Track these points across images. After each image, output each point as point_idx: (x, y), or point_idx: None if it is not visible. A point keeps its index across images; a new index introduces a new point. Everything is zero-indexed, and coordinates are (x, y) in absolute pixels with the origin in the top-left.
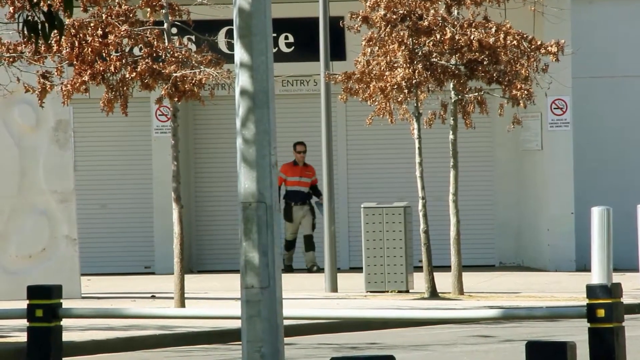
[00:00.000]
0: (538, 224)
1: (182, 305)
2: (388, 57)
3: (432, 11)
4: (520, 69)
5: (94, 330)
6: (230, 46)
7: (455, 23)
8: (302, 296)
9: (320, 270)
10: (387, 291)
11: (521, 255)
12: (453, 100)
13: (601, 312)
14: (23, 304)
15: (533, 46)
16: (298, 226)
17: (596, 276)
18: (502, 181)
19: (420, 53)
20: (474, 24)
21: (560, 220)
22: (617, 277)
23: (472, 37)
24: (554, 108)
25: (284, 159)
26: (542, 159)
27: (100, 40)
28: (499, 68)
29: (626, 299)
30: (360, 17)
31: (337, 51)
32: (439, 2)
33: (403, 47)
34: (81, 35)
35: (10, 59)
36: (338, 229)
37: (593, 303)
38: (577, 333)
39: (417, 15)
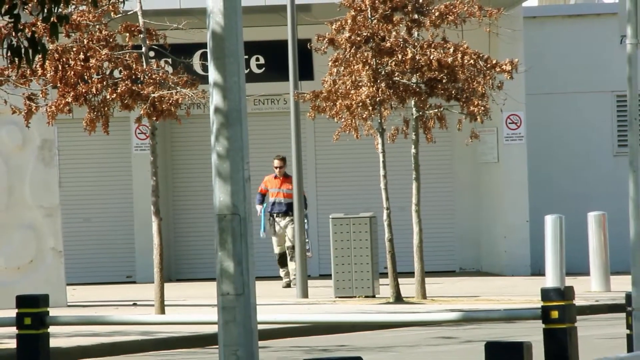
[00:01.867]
0: (495, 232)
1: (162, 312)
2: (353, 77)
3: (394, 33)
4: (477, 87)
5: (79, 337)
6: (205, 68)
7: (416, 44)
8: (275, 302)
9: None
10: (355, 296)
11: (480, 261)
12: (414, 117)
13: (555, 314)
14: (12, 313)
15: (489, 65)
16: (284, 238)
17: (550, 280)
18: (462, 192)
19: (383, 72)
20: (433, 45)
21: (516, 228)
22: (569, 281)
23: (431, 57)
24: (509, 123)
25: (257, 174)
26: (499, 170)
27: (82, 63)
28: (457, 86)
29: (578, 301)
30: (326, 39)
31: (305, 71)
32: (400, 25)
33: (367, 67)
34: (64, 59)
35: None
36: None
37: (547, 305)
38: (532, 333)
39: (379, 37)
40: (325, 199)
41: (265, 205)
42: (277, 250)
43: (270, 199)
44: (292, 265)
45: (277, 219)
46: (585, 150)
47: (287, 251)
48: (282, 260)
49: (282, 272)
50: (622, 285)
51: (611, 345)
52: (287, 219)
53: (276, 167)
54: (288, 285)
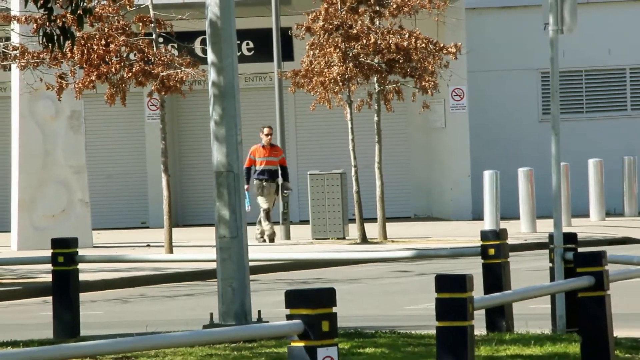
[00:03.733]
0: (443, 185)
1: (171, 251)
2: (326, 58)
3: (360, 22)
4: (428, 66)
5: (103, 272)
6: (204, 51)
7: (378, 31)
8: (263, 244)
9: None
10: (329, 238)
11: (431, 208)
12: (377, 91)
13: (492, 251)
14: (48, 253)
15: (437, 48)
16: (272, 197)
17: (488, 224)
18: (416, 152)
19: (350, 54)
20: (391, 32)
21: (460, 182)
22: (503, 224)
23: (390, 42)
24: (454, 95)
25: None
26: (446, 134)
27: (104, 48)
28: (412, 65)
29: (510, 241)
30: (304, 27)
31: (287, 54)
32: (365, 15)
33: (337, 50)
34: (89, 44)
35: (35, 64)
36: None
37: (485, 244)
38: (473, 268)
39: (347, 25)
40: (304, 158)
41: (254, 176)
42: (264, 205)
43: (258, 167)
44: (266, 225)
45: (264, 184)
46: (516, 118)
47: (269, 212)
48: (268, 215)
49: (266, 225)
50: (546, 227)
51: (537, 277)
52: (273, 183)
53: (266, 135)
54: (271, 238)
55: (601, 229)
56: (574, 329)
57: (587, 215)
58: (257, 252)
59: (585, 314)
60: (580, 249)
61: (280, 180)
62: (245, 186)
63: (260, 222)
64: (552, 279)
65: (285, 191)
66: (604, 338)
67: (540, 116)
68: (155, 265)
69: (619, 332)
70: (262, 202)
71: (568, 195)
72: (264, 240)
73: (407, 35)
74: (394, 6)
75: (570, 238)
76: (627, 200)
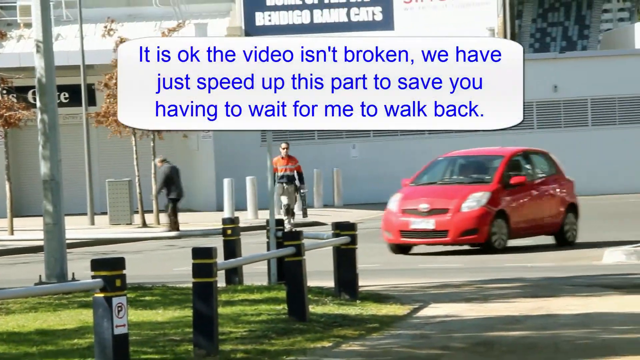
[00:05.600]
0: (197, 187)
1: (12, 233)
2: (117, 104)
3: None
4: None
5: None
6: (34, 99)
7: None
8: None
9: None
10: (120, 224)
11: (190, 203)
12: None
13: (229, 232)
14: None
15: None
16: (292, 196)
17: (226, 213)
18: (178, 166)
19: None
20: None
21: (208, 186)
22: (237, 213)
23: None
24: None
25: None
26: (199, 154)
27: None
28: None
29: (241, 224)
30: (103, 83)
31: (91, 101)
32: None
33: None
34: None
35: None
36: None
37: (225, 227)
38: (217, 242)
39: None
40: (104, 170)
41: (277, 180)
42: (285, 202)
43: (279, 173)
44: (291, 220)
45: (285, 186)
46: (246, 142)
47: (289, 207)
48: (288, 210)
49: (286, 220)
50: (264, 215)
51: (258, 248)
52: (292, 185)
53: (283, 149)
54: (293, 225)
55: (300, 217)
56: (282, 281)
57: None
58: (72, 233)
59: (289, 271)
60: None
61: (297, 182)
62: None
63: (283, 214)
64: (268, 249)
65: (302, 191)
66: (301, 287)
67: (260, 143)
68: (1, 243)
69: (311, 283)
70: (284, 200)
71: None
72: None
73: None
74: None
75: (280, 222)
76: (316, 198)
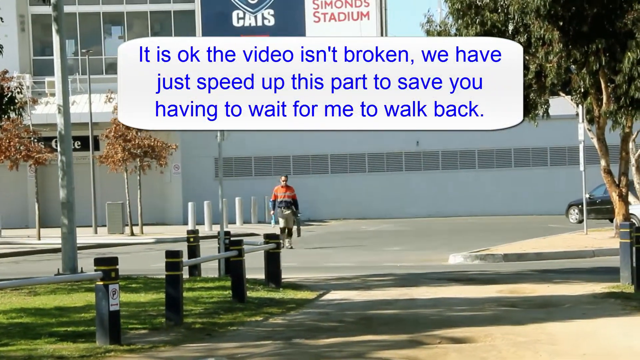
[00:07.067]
0: (171, 208)
1: (39, 239)
2: (115, 149)
3: (134, 131)
4: (162, 152)
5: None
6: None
7: (136, 136)
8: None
9: (292, 248)
10: (115, 233)
11: (164, 219)
12: (139, 165)
13: (192, 239)
14: None
15: (167, 146)
16: (289, 220)
17: (190, 226)
18: (157, 193)
19: (126, 148)
20: (146, 138)
21: (177, 207)
22: (198, 227)
23: (145, 142)
24: (175, 168)
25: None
26: (171, 185)
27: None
28: (155, 153)
29: (201, 234)
30: (105, 135)
31: (97, 147)
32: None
33: (120, 147)
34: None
35: None
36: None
37: (189, 236)
38: (183, 247)
39: (125, 135)
40: (105, 196)
41: (277, 205)
42: (282, 225)
43: (279, 199)
44: (290, 238)
45: (283, 210)
46: (205, 176)
47: (288, 230)
48: (283, 230)
49: (285, 240)
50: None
51: (213, 251)
52: (289, 210)
53: (282, 180)
54: (290, 247)
55: (241, 229)
56: (228, 274)
57: (235, 222)
58: (81, 239)
59: (233, 267)
60: (232, 238)
61: (293, 208)
62: (271, 211)
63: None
64: (219, 252)
65: (297, 215)
66: (242, 278)
67: (214, 177)
68: (31, 245)
69: (249, 275)
70: (282, 223)
71: (227, 212)
72: (291, 247)
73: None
74: None
75: (227, 233)
76: (252, 217)
